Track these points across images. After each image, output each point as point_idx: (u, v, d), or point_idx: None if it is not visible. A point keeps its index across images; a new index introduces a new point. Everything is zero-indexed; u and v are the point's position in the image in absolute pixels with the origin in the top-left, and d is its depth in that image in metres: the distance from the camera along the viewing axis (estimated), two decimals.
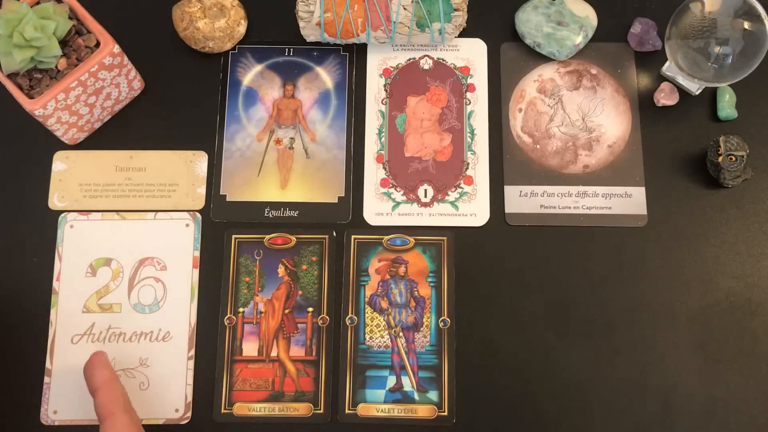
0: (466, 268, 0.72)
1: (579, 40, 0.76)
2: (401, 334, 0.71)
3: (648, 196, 0.74)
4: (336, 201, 0.74)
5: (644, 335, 0.70)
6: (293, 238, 0.73)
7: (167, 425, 0.69)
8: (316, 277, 0.72)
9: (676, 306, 0.71)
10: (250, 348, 0.71)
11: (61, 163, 0.75)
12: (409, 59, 0.78)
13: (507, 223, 0.73)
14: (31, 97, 0.67)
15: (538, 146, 0.76)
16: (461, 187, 0.74)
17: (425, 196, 0.74)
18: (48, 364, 0.70)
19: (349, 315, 0.71)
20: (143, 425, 0.66)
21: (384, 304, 0.72)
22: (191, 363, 0.70)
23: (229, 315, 0.71)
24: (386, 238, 0.73)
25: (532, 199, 0.74)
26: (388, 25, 0.74)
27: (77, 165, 0.75)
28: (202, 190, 0.74)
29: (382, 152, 0.76)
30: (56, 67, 0.67)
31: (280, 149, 0.76)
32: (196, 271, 0.72)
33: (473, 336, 0.71)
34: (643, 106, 0.77)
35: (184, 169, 0.75)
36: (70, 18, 0.68)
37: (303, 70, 0.78)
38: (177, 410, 0.69)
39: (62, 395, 0.69)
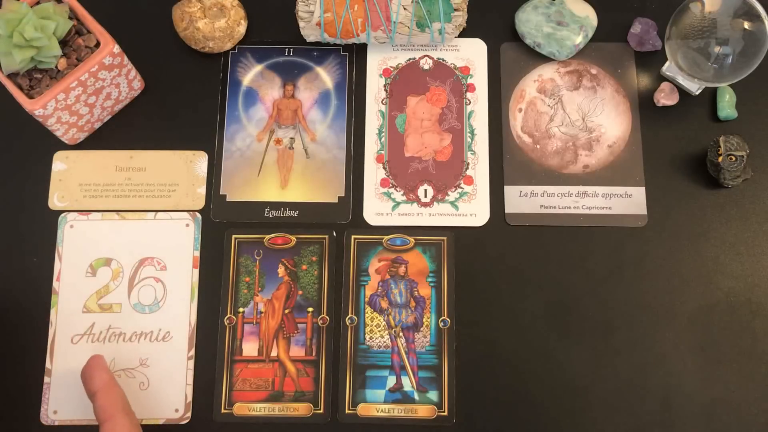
0: (466, 268, 0.72)
1: (579, 40, 0.76)
2: (401, 334, 0.71)
3: (648, 196, 0.74)
4: (336, 201, 0.74)
5: (644, 335, 0.70)
6: (293, 238, 0.73)
7: (167, 425, 0.69)
8: (316, 277, 0.72)
9: (676, 306, 0.71)
10: (250, 348, 0.71)
11: (61, 163, 0.75)
12: (409, 59, 0.78)
13: (507, 223, 0.73)
14: (31, 97, 0.67)
15: (538, 146, 0.76)
16: (461, 187, 0.74)
17: (425, 196, 0.74)
18: (48, 364, 0.70)
19: (349, 315, 0.71)
20: (143, 425, 0.66)
21: (384, 304, 0.72)
22: (191, 363, 0.70)
23: (229, 315, 0.71)
24: (386, 238, 0.73)
25: (532, 199, 0.74)
26: (388, 25, 0.74)
27: (77, 165, 0.75)
28: (202, 190, 0.74)
29: (382, 152, 0.76)
30: (56, 67, 0.67)
31: (280, 149, 0.76)
32: (196, 271, 0.72)
33: (473, 336, 0.71)
34: (643, 106, 0.77)
35: (184, 169, 0.75)
36: (70, 18, 0.68)
37: (303, 70, 0.78)
38: (177, 410, 0.69)
39: (62, 395, 0.69)
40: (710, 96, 0.77)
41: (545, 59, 0.78)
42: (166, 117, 0.76)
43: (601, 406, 0.69)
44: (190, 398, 0.69)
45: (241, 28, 0.77)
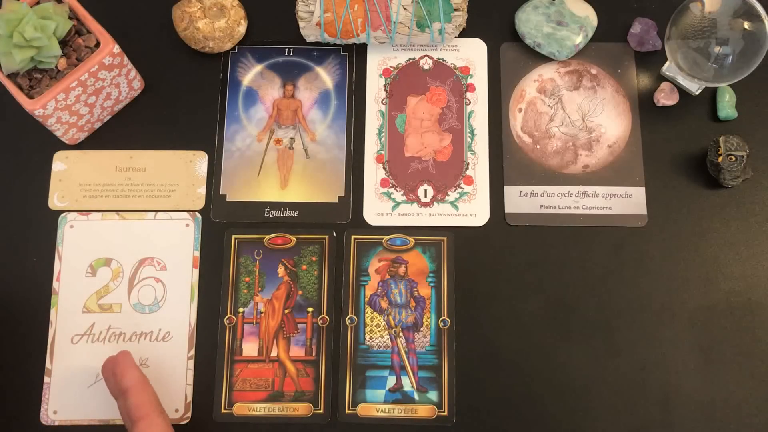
0: (466, 268, 0.72)
1: (579, 40, 0.76)
2: (401, 334, 0.71)
3: (648, 196, 0.74)
4: (336, 201, 0.74)
5: (644, 335, 0.70)
6: (293, 238, 0.73)
7: None
8: (316, 277, 0.72)
9: (676, 306, 0.71)
10: (250, 348, 0.71)
11: (61, 163, 0.75)
12: (409, 59, 0.78)
13: (507, 223, 0.73)
14: (31, 97, 0.67)
15: (538, 146, 0.76)
16: (461, 187, 0.74)
17: (425, 196, 0.74)
18: (48, 364, 0.70)
19: (349, 315, 0.71)
20: None
21: (384, 304, 0.72)
22: (191, 363, 0.70)
23: (229, 315, 0.71)
24: (386, 238, 0.73)
25: (532, 199, 0.74)
26: (388, 25, 0.74)
27: (77, 165, 0.75)
28: (202, 190, 0.74)
29: (382, 152, 0.76)
30: (56, 67, 0.67)
31: (280, 149, 0.76)
32: (196, 271, 0.72)
33: (473, 336, 0.71)
34: (643, 106, 0.77)
35: (184, 169, 0.75)
36: (70, 18, 0.68)
37: (303, 70, 0.78)
38: (177, 410, 0.69)
39: (62, 395, 0.69)
40: (710, 96, 0.77)
41: (545, 59, 0.78)
42: (166, 117, 0.76)
43: (601, 406, 0.69)
44: (190, 398, 0.69)
45: (241, 28, 0.77)
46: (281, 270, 0.72)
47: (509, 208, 0.74)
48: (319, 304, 0.72)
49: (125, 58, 0.71)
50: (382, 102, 0.77)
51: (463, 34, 0.78)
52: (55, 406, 0.69)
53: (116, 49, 0.69)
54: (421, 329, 0.71)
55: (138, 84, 0.75)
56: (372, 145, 0.76)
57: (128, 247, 0.73)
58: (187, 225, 0.73)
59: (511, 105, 0.77)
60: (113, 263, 0.72)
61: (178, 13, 0.76)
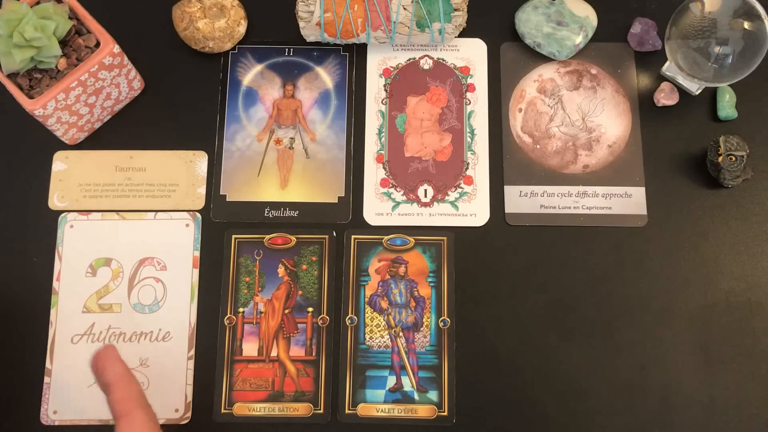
0: (466, 268, 0.72)
1: (579, 40, 0.76)
2: (401, 334, 0.71)
3: (648, 196, 0.74)
4: (336, 201, 0.74)
5: (644, 335, 0.70)
6: (293, 238, 0.73)
7: (167, 425, 0.69)
8: (316, 277, 0.72)
9: (676, 306, 0.71)
10: (250, 348, 0.71)
11: (61, 163, 0.75)
12: (409, 59, 0.78)
13: (507, 223, 0.73)
14: (31, 97, 0.67)
15: (538, 146, 0.76)
16: (461, 187, 0.74)
17: (425, 196, 0.74)
18: (48, 364, 0.70)
19: (349, 315, 0.71)
20: None
21: (384, 304, 0.72)
22: (191, 363, 0.70)
23: (229, 315, 0.71)
24: (386, 238, 0.73)
25: (532, 199, 0.74)
26: (388, 25, 0.74)
27: (77, 165, 0.75)
28: (202, 190, 0.74)
29: (382, 152, 0.76)
30: (56, 67, 0.67)
31: (280, 149, 0.76)
32: (196, 271, 0.72)
33: (473, 336, 0.71)
34: (643, 106, 0.77)
35: (184, 169, 0.75)
36: (70, 18, 0.68)
37: (303, 70, 0.78)
38: (177, 410, 0.69)
39: (62, 395, 0.69)
40: (710, 96, 0.77)
41: (545, 59, 0.78)
42: (166, 117, 0.76)
43: (601, 406, 0.69)
44: (190, 398, 0.69)
45: (241, 28, 0.77)
46: (281, 270, 0.72)
47: (509, 208, 0.74)
48: (319, 304, 0.72)
49: (125, 58, 0.71)
50: (382, 102, 0.77)
51: (463, 34, 0.78)
52: (55, 406, 0.69)
53: (116, 49, 0.69)
54: (421, 329, 0.71)
55: (138, 84, 0.75)
56: (372, 145, 0.76)
57: (128, 247, 0.73)
58: (187, 225, 0.73)
59: (511, 105, 0.77)
60: (113, 263, 0.72)
61: (178, 13, 0.76)
